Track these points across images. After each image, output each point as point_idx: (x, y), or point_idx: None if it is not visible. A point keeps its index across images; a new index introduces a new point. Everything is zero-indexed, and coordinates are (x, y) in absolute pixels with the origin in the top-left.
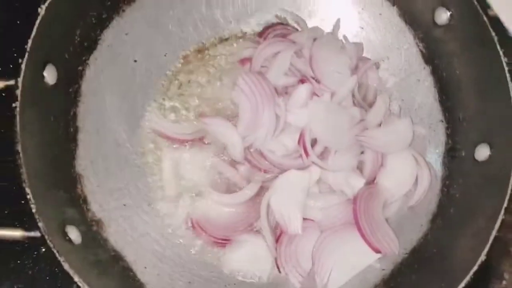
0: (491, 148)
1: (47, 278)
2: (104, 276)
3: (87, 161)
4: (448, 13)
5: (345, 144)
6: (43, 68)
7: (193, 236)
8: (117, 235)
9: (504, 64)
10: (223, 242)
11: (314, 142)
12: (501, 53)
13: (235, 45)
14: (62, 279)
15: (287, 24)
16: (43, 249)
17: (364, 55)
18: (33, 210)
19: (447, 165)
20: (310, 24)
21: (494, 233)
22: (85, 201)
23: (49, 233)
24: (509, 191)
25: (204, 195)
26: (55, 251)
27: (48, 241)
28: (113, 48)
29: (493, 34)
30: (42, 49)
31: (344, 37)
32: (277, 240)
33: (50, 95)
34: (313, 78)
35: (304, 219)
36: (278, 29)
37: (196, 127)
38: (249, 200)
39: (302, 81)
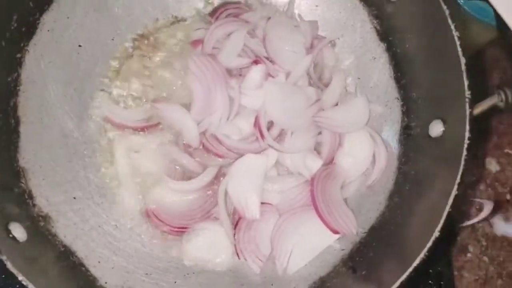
0: (444, 124)
1: (2, 275)
2: (52, 274)
3: (31, 154)
4: None
5: (302, 125)
6: None
7: (149, 226)
8: (66, 230)
9: (456, 39)
10: (181, 230)
11: (271, 125)
12: (452, 27)
13: (186, 26)
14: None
15: (240, 3)
16: None
17: (319, 33)
18: None
19: (403, 142)
20: (263, 2)
21: (447, 208)
22: (30, 195)
23: None
24: (461, 167)
25: (159, 183)
26: None
27: None
28: (54, 33)
29: (444, 8)
30: None
31: (299, 15)
32: (235, 226)
33: None
34: (267, 58)
35: (262, 203)
36: (230, 9)
37: (148, 113)
38: (206, 187)
39: (256, 62)
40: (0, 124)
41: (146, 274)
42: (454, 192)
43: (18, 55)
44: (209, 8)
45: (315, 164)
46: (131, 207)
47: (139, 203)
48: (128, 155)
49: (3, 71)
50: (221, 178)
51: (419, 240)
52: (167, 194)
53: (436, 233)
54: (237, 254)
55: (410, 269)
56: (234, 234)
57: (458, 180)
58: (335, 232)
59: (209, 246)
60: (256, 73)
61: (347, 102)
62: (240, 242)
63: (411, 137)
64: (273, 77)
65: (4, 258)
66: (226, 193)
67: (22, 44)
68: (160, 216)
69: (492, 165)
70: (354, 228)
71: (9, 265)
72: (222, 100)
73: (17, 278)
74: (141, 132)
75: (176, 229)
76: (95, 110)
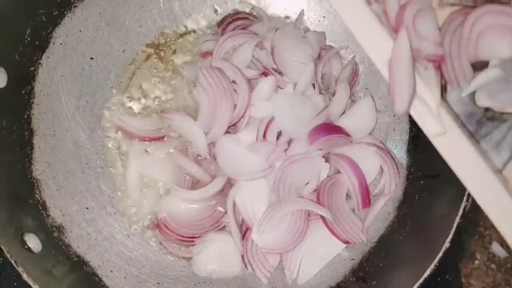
0: None
1: (15, 284)
2: (67, 284)
3: (44, 165)
4: None
5: None
6: None
7: (160, 236)
8: (80, 240)
9: None
10: (191, 240)
11: (279, 134)
12: None
13: (195, 38)
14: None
15: (248, 14)
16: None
17: (327, 44)
18: None
19: (412, 152)
20: (271, 14)
21: (457, 219)
22: (44, 206)
23: (5, 243)
24: None
25: (169, 192)
26: (12, 261)
27: (4, 251)
28: (66, 46)
29: None
30: None
31: (306, 26)
32: (243, 236)
33: (1, 98)
34: (276, 70)
35: None
36: (238, 20)
37: (158, 123)
38: (215, 196)
39: (265, 74)
40: (14, 137)
41: (158, 283)
42: (463, 202)
43: (32, 68)
44: (218, 19)
45: (323, 171)
46: (142, 217)
47: (150, 212)
48: (138, 164)
49: (17, 84)
50: (230, 188)
51: (430, 251)
52: (176, 203)
53: (447, 244)
54: (245, 264)
55: (421, 280)
56: (243, 244)
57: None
58: (345, 242)
59: (219, 256)
60: (265, 84)
61: (352, 109)
62: (248, 252)
63: (419, 147)
64: (281, 88)
65: (20, 269)
66: (234, 203)
67: (35, 58)
68: (170, 226)
69: None
70: (364, 236)
71: (24, 276)
72: (227, 112)
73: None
74: (151, 142)
75: (186, 238)
76: (107, 121)
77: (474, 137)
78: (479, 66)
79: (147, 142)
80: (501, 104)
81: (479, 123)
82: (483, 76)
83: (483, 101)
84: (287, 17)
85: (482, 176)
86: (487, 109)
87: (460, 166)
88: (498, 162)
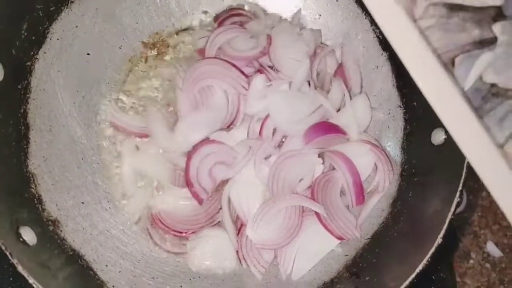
0: (446, 132)
1: (10, 279)
2: (61, 277)
3: (40, 160)
4: None
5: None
6: None
7: (155, 231)
8: (75, 234)
9: None
10: (186, 235)
11: (274, 130)
12: None
13: (192, 34)
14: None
15: (244, 11)
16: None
17: (322, 42)
18: None
19: (406, 149)
20: (267, 12)
21: (450, 215)
22: (39, 200)
23: (0, 236)
24: (463, 174)
25: (163, 188)
26: (7, 253)
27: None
28: (63, 41)
29: None
30: None
31: (301, 24)
32: (238, 232)
33: None
34: (272, 67)
35: None
36: (235, 17)
37: None
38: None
39: (259, 71)
40: (10, 131)
41: (153, 278)
42: (456, 199)
43: (28, 63)
44: (213, 16)
45: (317, 168)
46: (138, 212)
47: (145, 208)
48: (133, 160)
49: (13, 79)
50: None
51: (422, 246)
52: (171, 199)
53: (439, 240)
54: (240, 260)
55: (413, 275)
56: (237, 240)
57: (460, 187)
58: (339, 238)
59: (214, 252)
60: (258, 82)
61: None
62: (242, 248)
63: (413, 144)
64: (277, 85)
65: (15, 261)
66: (229, 199)
67: (32, 53)
68: (165, 221)
69: None
70: (357, 232)
71: (19, 268)
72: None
73: (26, 280)
74: (144, 139)
75: (181, 234)
76: (103, 116)
77: (478, 112)
78: (487, 42)
79: (139, 139)
80: (507, 81)
81: (484, 98)
82: (490, 54)
83: (490, 76)
84: (283, 15)
85: (485, 148)
86: (492, 85)
87: (463, 138)
88: (500, 138)
